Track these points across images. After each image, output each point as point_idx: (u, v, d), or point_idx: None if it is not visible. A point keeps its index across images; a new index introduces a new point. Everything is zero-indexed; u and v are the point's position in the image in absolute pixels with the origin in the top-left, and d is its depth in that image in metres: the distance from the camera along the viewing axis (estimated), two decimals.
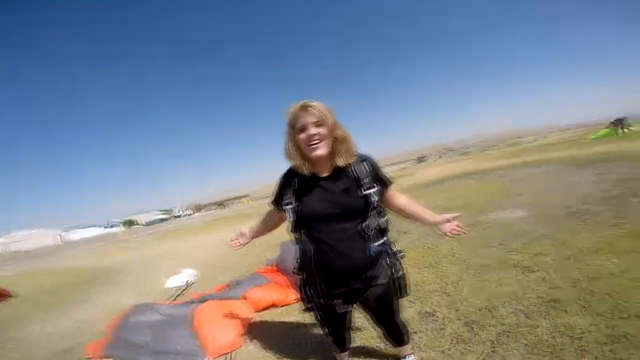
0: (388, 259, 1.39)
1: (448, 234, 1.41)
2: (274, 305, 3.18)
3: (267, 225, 1.68)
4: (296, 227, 1.37)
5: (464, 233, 1.43)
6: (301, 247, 1.37)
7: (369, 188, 1.32)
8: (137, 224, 79.34)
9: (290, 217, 1.37)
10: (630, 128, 17.75)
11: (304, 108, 1.28)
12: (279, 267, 3.75)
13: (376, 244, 1.34)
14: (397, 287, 1.43)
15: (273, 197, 1.50)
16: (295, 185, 1.37)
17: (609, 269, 2.44)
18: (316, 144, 1.27)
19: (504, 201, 5.68)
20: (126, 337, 2.45)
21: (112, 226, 79.12)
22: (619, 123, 18.01)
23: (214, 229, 15.01)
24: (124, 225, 77.70)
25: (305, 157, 1.32)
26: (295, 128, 1.30)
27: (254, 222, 1.73)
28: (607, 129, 18.74)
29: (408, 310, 2.45)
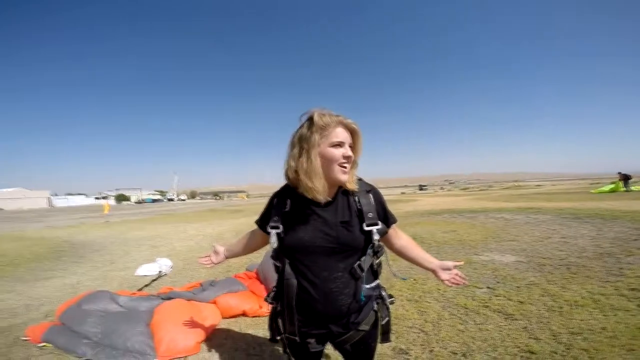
0: (375, 304, 1.22)
1: (446, 282, 1.28)
2: (244, 315, 3.00)
3: (247, 246, 1.50)
4: (279, 255, 1.18)
5: (464, 284, 1.29)
6: (282, 278, 1.17)
7: (373, 224, 1.15)
8: (128, 201, 78.74)
9: (273, 243, 1.18)
10: (632, 188, 18.18)
11: (346, 125, 1.14)
12: (259, 275, 3.57)
13: (368, 286, 1.18)
14: (380, 333, 1.27)
15: (259, 217, 1.32)
16: (286, 208, 1.18)
17: (590, 325, 2.46)
18: (347, 167, 1.13)
19: (498, 244, 5.63)
20: (73, 324, 2.26)
21: (103, 197, 78.64)
22: (625, 179, 18.55)
23: (204, 220, 14.80)
24: (115, 199, 76.96)
25: (326, 177, 1.12)
26: (328, 139, 1.11)
27: (234, 240, 1.59)
28: (613, 184, 19.23)
29: (383, 344, 2.33)
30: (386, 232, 1.25)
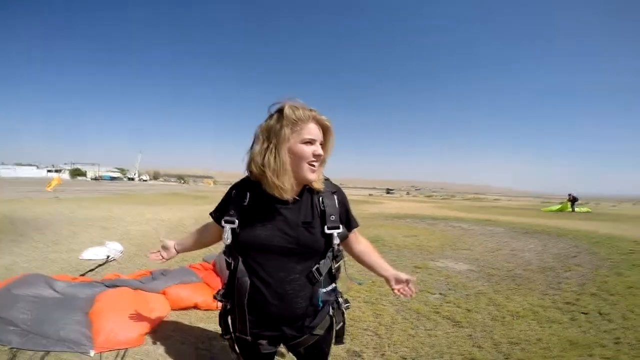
0: (331, 309, 1.18)
1: (395, 291, 1.29)
2: (196, 307, 2.88)
3: (200, 241, 1.41)
4: (232, 251, 1.11)
5: (410, 297, 1.30)
6: (234, 276, 1.10)
7: (334, 227, 1.11)
8: (84, 176, 73.69)
9: (226, 239, 1.09)
10: (577, 209, 19.97)
11: (319, 122, 1.07)
12: (216, 267, 3.45)
13: (324, 290, 1.15)
14: (334, 337, 1.24)
15: (215, 209, 1.23)
16: (245, 202, 1.11)
17: (528, 336, 2.61)
18: (316, 165, 1.07)
19: (453, 252, 5.91)
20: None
21: (56, 171, 72.89)
22: (573, 200, 20.33)
23: (164, 204, 14.16)
24: (69, 173, 71.58)
25: (294, 175, 1.06)
26: (300, 135, 1.05)
27: (186, 233, 1.49)
28: (561, 204, 20.88)
29: (338, 345, 2.36)
30: (347, 237, 1.22)
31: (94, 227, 7.13)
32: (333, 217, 1.12)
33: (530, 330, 2.71)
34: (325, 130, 1.10)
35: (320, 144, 1.09)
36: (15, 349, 1.97)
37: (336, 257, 1.16)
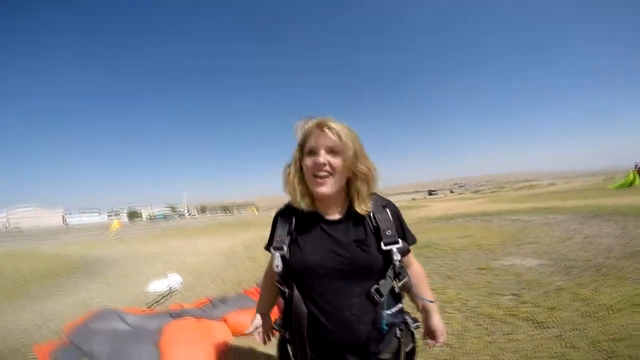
0: (398, 331, 1.05)
1: (427, 339, 1.23)
2: None
3: (277, 290, 1.21)
4: (286, 279, 1.04)
5: (432, 345, 1.23)
6: (290, 305, 1.03)
7: (392, 243, 1.01)
8: (140, 217, 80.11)
9: (277, 266, 1.02)
10: None
11: (320, 126, 0.99)
12: None
13: (389, 312, 1.03)
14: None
15: (269, 242, 1.14)
16: (291, 226, 1.06)
17: (632, 330, 2.26)
18: (323, 177, 0.99)
19: (517, 247, 5.40)
20: (80, 344, 2.17)
21: (115, 214, 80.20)
22: None
23: (214, 234, 14.79)
24: (127, 216, 78.23)
25: (306, 191, 1.04)
26: (303, 149, 1.02)
27: (261, 295, 1.37)
28: (628, 176, 18.36)
29: None
30: (408, 251, 1.10)
31: (154, 262, 7.57)
32: (389, 232, 1.02)
33: (634, 324, 2.34)
34: (327, 132, 0.99)
35: (336, 152, 0.99)
36: None
37: (398, 275, 1.04)
